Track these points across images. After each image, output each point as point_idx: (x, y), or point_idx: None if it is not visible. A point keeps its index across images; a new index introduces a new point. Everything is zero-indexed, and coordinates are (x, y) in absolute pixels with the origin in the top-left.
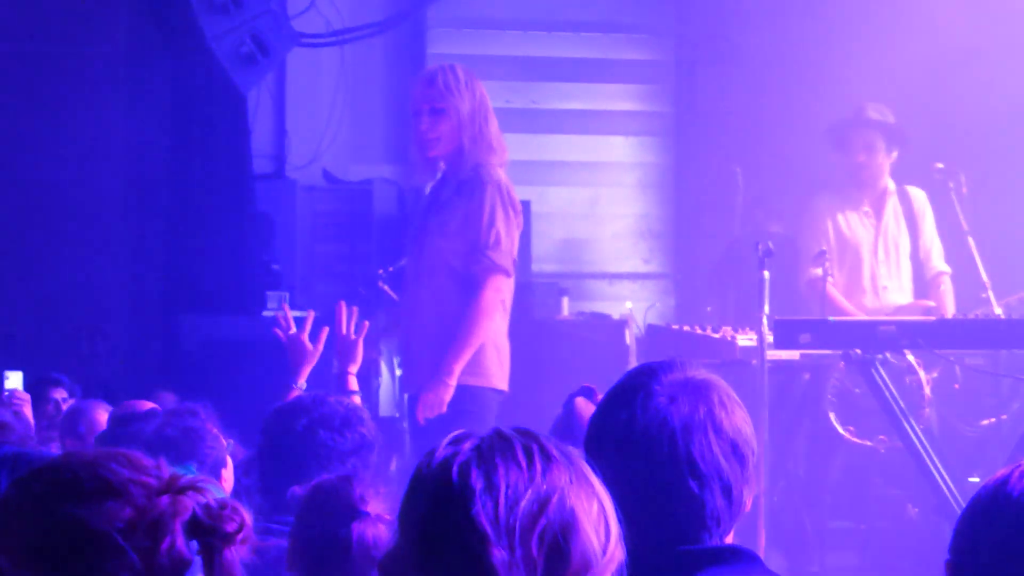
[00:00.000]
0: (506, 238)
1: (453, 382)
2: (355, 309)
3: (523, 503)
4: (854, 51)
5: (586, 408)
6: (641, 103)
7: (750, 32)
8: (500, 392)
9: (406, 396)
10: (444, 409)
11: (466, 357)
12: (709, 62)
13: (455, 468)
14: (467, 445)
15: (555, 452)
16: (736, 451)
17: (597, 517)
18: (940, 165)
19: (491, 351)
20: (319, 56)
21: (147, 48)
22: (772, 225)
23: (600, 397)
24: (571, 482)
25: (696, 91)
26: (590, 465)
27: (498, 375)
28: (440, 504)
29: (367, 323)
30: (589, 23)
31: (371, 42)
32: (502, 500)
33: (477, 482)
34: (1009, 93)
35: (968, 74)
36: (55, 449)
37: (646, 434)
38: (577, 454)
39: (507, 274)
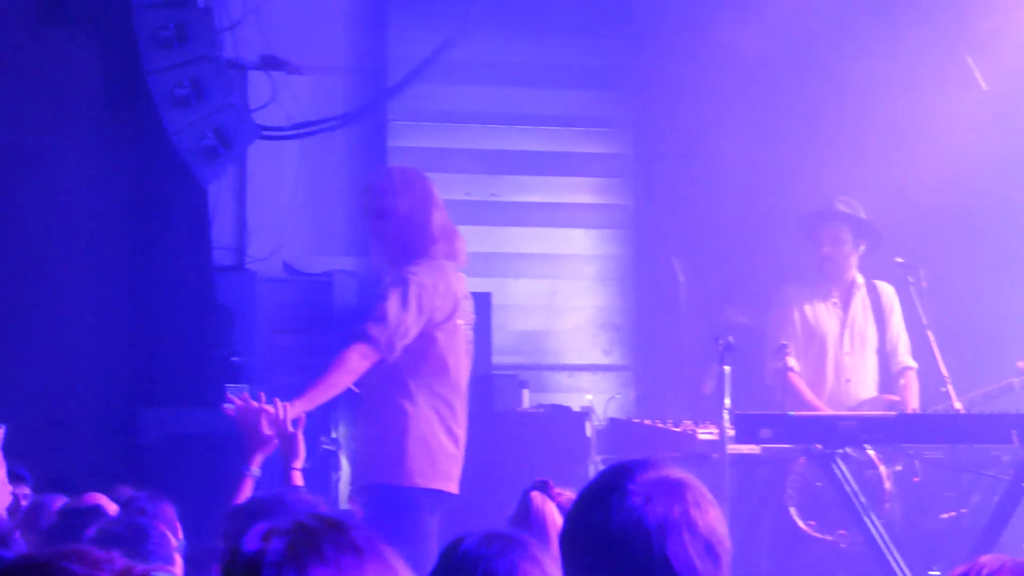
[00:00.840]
0: (394, 319)
1: (291, 411)
2: (287, 405)
3: None
4: (815, 144)
5: (541, 502)
6: (601, 196)
7: (709, 125)
8: (433, 493)
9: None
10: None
11: (312, 401)
12: (669, 155)
13: (265, 561)
14: (276, 538)
15: (364, 546)
16: (711, 551)
17: None
18: (900, 260)
19: (415, 447)
20: (280, 149)
21: (108, 141)
22: (739, 317)
23: (556, 491)
24: (376, 574)
25: (656, 184)
26: (564, 561)
27: (426, 474)
28: None
29: (303, 418)
30: (549, 116)
31: (332, 135)
32: None
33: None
34: (967, 188)
35: (926, 169)
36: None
37: (621, 533)
38: (389, 549)
39: (377, 346)
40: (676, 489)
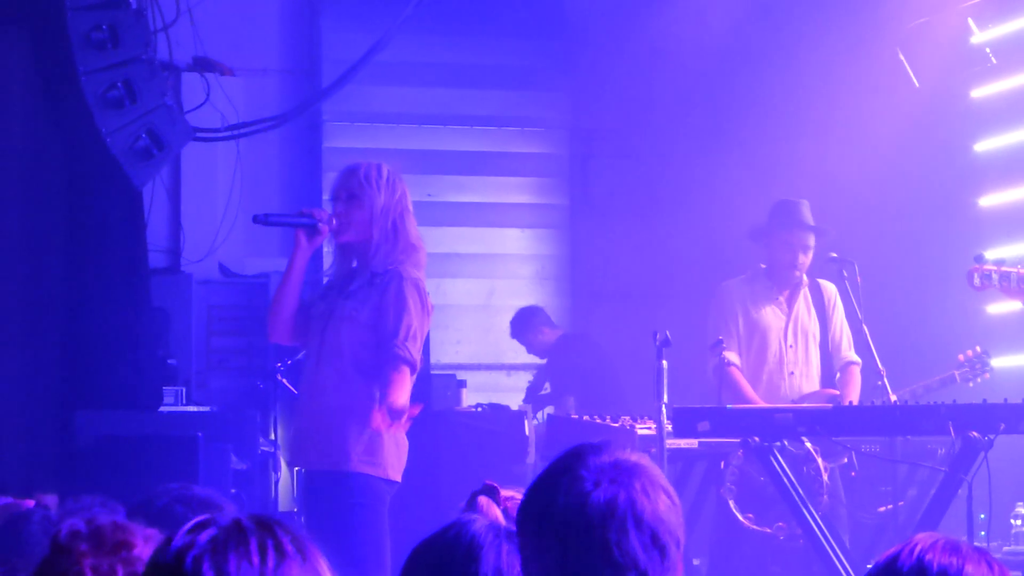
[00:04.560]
0: (418, 334)
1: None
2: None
3: None
4: (748, 142)
5: (487, 506)
6: (536, 196)
7: (643, 125)
8: (393, 483)
9: (296, 470)
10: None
11: (399, 395)
12: (603, 155)
13: (189, 559)
14: (204, 536)
15: (290, 548)
16: (657, 541)
17: None
18: (834, 255)
19: (389, 442)
20: (214, 150)
21: (41, 142)
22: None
23: (503, 495)
24: None
25: (591, 184)
26: (519, 537)
27: (394, 467)
28: None
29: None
30: (484, 117)
31: (266, 136)
32: None
33: (208, 574)
34: (899, 182)
35: (859, 164)
36: None
37: (564, 518)
38: (317, 552)
39: (414, 368)
40: (627, 475)
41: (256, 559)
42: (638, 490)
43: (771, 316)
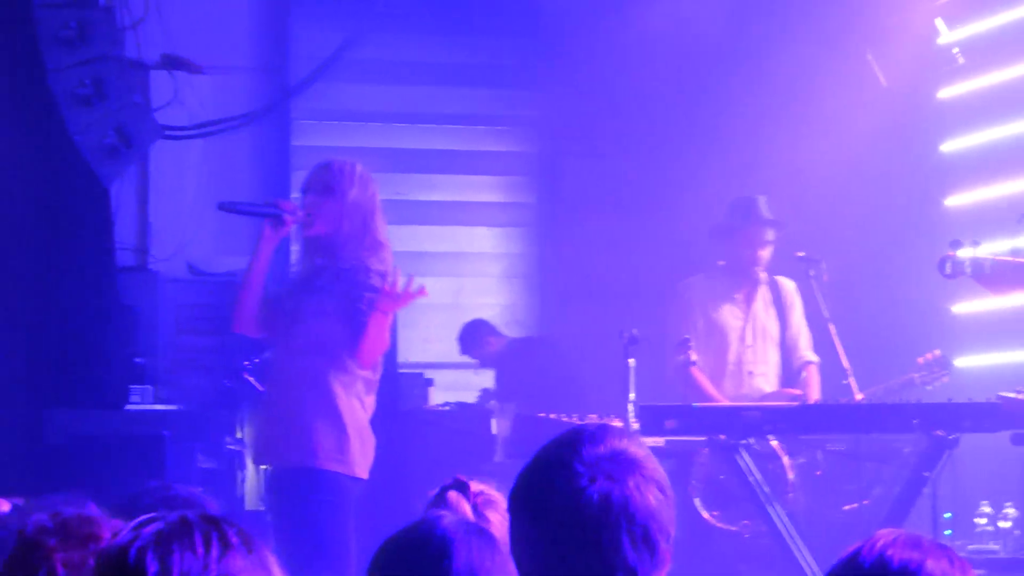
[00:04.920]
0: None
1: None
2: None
3: None
4: (718, 140)
5: (457, 501)
6: (505, 194)
7: (612, 123)
8: (359, 480)
9: (263, 468)
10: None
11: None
12: (572, 153)
13: (133, 551)
14: (149, 530)
15: (235, 540)
16: (648, 538)
17: None
18: (801, 253)
19: (355, 440)
20: (183, 148)
21: (10, 140)
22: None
23: (474, 491)
24: (245, 569)
25: (559, 182)
26: (512, 520)
27: (360, 464)
28: None
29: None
30: (453, 115)
31: (235, 134)
32: None
33: (152, 566)
34: (867, 182)
35: (827, 163)
36: None
37: (558, 514)
38: (265, 548)
39: (386, 346)
40: (622, 469)
41: (200, 550)
42: (632, 487)
43: (729, 316)
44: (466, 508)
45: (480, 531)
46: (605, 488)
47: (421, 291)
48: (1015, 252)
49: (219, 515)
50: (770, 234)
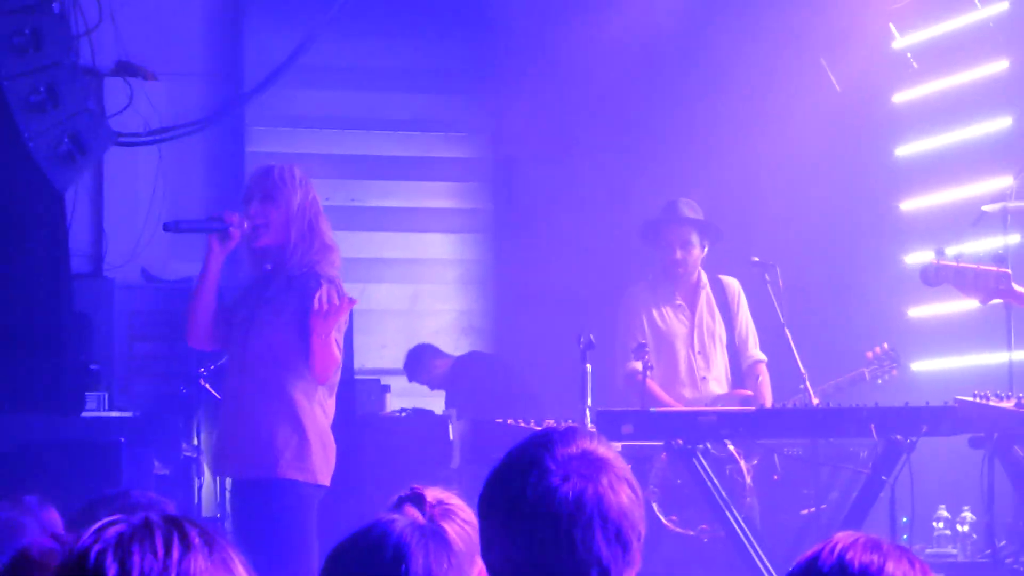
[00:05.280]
0: (337, 334)
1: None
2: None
3: None
4: (671, 145)
5: (414, 514)
6: (460, 200)
7: (566, 128)
8: (321, 488)
9: (228, 480)
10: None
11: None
12: (526, 159)
13: (92, 555)
14: (110, 532)
15: (196, 540)
16: (620, 536)
17: None
18: (756, 258)
19: (317, 448)
20: (137, 154)
21: None
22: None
23: (430, 502)
24: (206, 570)
25: (514, 187)
26: (481, 524)
27: (323, 471)
28: None
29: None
30: (407, 121)
31: (189, 140)
32: None
33: (111, 568)
34: (819, 186)
35: (779, 168)
36: None
37: (532, 513)
38: (230, 548)
39: (337, 363)
40: (594, 469)
41: (161, 551)
42: (605, 485)
43: (675, 323)
44: (416, 513)
45: (434, 532)
46: (579, 486)
47: (352, 301)
48: (997, 260)
49: (182, 516)
50: (693, 235)
